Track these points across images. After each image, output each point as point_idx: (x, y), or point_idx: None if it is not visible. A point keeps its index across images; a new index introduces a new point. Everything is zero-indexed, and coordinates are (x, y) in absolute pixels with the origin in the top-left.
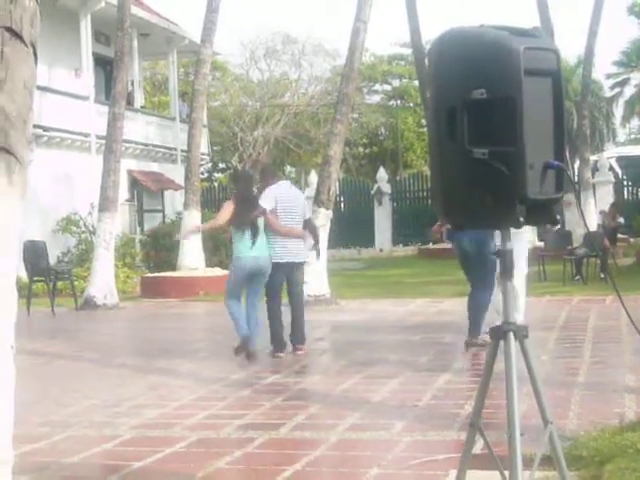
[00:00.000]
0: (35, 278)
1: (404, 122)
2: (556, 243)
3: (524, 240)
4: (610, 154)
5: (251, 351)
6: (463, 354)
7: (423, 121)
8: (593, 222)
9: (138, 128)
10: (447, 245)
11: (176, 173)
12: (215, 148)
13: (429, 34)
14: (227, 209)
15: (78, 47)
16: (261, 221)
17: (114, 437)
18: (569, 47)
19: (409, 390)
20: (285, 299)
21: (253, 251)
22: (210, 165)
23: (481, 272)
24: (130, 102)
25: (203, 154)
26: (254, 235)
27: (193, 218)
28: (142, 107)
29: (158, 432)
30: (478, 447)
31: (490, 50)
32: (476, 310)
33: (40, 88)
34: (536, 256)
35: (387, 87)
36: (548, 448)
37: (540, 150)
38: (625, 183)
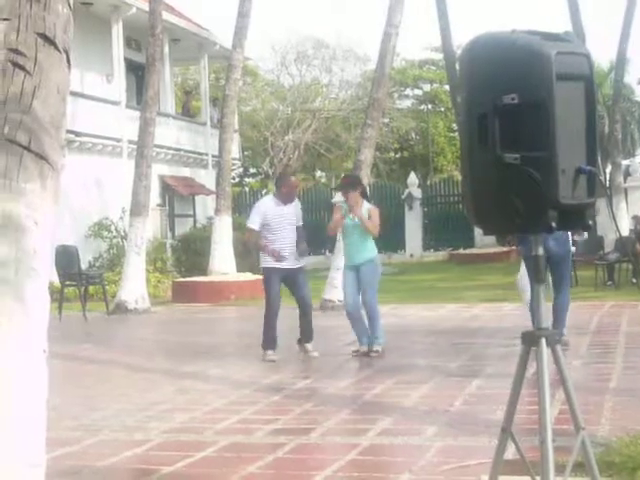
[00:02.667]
0: (67, 283)
1: (435, 127)
2: (588, 248)
3: None
4: None
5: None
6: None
7: (454, 126)
8: (625, 227)
9: (169, 133)
10: (478, 250)
11: (207, 178)
12: (246, 153)
13: (460, 39)
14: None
15: (110, 53)
16: None
17: (145, 441)
18: (601, 51)
19: (441, 395)
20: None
21: None
22: (241, 170)
23: (564, 272)
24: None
25: (234, 159)
26: None
27: (224, 223)
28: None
29: (189, 436)
30: (510, 453)
31: (522, 55)
32: (562, 309)
33: (72, 93)
34: None
35: (418, 92)
36: (580, 454)
37: (572, 155)
38: None
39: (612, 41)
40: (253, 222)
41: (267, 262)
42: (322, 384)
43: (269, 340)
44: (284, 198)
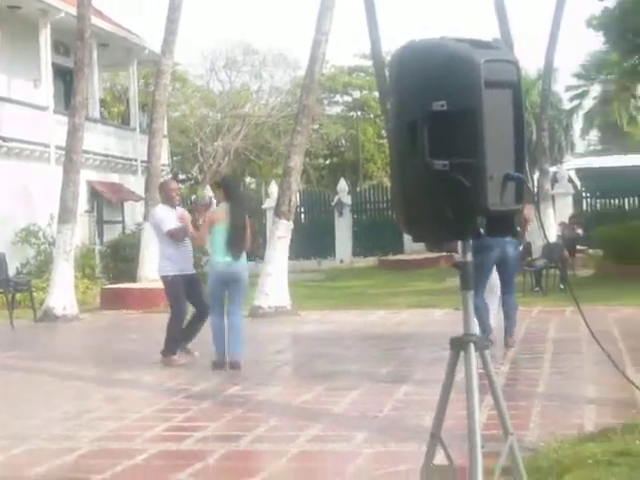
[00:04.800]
0: None
1: (364, 133)
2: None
3: None
4: (569, 166)
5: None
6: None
7: (383, 132)
8: (552, 233)
9: (98, 139)
10: (408, 256)
11: (137, 184)
12: (175, 159)
13: (390, 46)
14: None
15: (37, 57)
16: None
17: (74, 450)
18: (529, 59)
19: (370, 401)
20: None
21: (226, 256)
22: (170, 176)
23: (512, 276)
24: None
25: (163, 165)
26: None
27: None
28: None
29: (118, 444)
30: (439, 458)
31: (450, 62)
32: (513, 311)
33: None
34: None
35: (347, 98)
36: (509, 459)
37: (500, 162)
38: (584, 195)
39: (540, 49)
40: (169, 224)
41: (170, 270)
42: (252, 391)
43: (175, 346)
44: (169, 202)
